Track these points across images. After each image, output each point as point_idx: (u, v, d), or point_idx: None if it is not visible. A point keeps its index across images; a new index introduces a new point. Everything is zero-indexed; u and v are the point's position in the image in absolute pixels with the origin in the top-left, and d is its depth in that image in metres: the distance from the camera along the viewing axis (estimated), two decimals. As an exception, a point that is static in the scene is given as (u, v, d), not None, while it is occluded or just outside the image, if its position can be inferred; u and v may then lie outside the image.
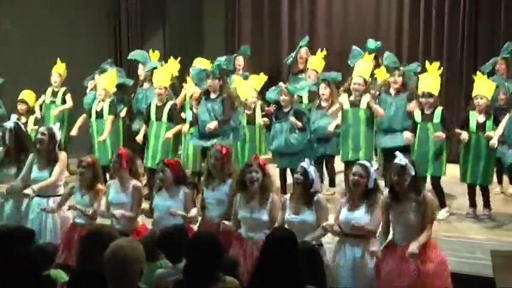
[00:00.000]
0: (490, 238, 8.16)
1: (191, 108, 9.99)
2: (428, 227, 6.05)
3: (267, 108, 10.14)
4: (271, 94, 9.68)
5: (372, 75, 10.19)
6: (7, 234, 5.31)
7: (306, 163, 6.39)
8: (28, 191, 7.43)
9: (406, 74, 9.75)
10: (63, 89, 11.21)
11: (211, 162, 7.06)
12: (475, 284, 6.88)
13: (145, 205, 7.42)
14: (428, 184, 8.85)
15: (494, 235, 8.29)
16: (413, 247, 5.86)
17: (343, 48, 12.63)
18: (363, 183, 6.18)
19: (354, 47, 10.99)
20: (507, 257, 6.61)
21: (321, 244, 6.30)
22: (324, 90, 9.80)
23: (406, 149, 8.53)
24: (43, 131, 7.74)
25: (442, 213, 8.73)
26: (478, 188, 8.93)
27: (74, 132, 10.57)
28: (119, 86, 10.65)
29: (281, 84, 11.61)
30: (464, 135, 8.67)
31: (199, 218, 7.18)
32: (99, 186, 7.26)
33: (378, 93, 9.73)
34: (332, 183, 9.93)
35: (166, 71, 10.07)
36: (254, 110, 10.24)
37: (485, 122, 8.68)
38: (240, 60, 12.06)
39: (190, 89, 10.48)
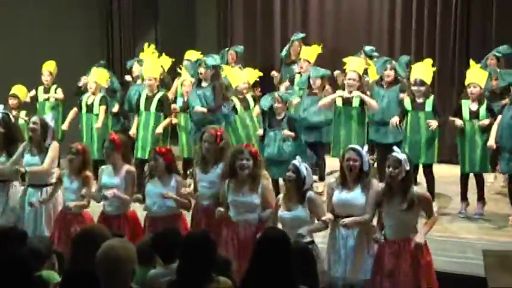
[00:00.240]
0: (481, 238, 8.20)
1: (182, 95, 10.08)
2: (431, 220, 6.22)
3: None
4: (265, 101, 9.70)
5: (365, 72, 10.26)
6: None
7: (297, 161, 6.41)
8: (21, 168, 7.54)
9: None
10: (55, 85, 11.22)
11: (205, 147, 7.10)
12: (467, 284, 6.91)
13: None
14: (420, 175, 8.89)
15: (485, 235, 8.32)
16: (420, 238, 6.04)
17: (336, 47, 12.72)
18: (358, 167, 6.29)
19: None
20: (499, 257, 6.64)
21: (312, 241, 6.31)
22: (315, 81, 9.91)
23: (398, 146, 8.54)
24: (35, 120, 7.79)
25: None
26: (471, 183, 8.95)
27: (64, 126, 10.58)
28: (110, 90, 10.71)
29: (273, 73, 11.66)
30: (459, 121, 8.73)
31: (193, 203, 7.21)
32: (88, 173, 7.30)
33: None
34: (322, 178, 9.90)
35: (156, 62, 10.11)
36: (246, 99, 10.27)
37: (478, 109, 8.71)
38: (233, 55, 12.14)
39: (183, 76, 10.57)
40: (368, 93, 9.56)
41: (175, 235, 5.35)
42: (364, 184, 6.30)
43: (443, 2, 12.08)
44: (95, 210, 7.50)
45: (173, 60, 11.29)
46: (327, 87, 10.03)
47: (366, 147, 6.54)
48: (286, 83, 11.41)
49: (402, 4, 12.60)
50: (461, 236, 8.29)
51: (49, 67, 11.26)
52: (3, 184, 7.88)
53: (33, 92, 11.18)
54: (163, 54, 11.29)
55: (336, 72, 10.89)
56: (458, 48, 11.95)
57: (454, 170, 9.32)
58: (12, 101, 10.50)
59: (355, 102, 9.33)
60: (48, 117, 7.92)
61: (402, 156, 6.13)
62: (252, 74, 10.87)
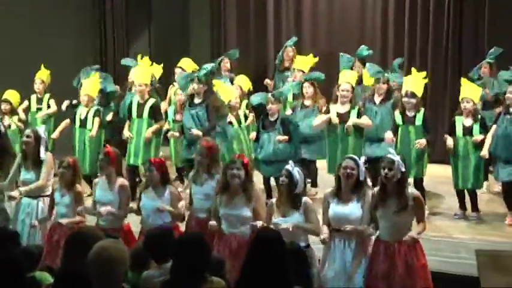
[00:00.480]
0: (474, 237, 8.22)
1: (175, 104, 10.08)
2: (422, 223, 6.20)
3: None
4: (256, 98, 9.69)
5: (360, 82, 10.29)
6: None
7: (290, 165, 6.39)
8: (14, 193, 7.51)
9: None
10: (48, 95, 11.06)
11: (197, 160, 7.15)
12: (460, 284, 6.92)
13: (132, 204, 7.39)
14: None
15: (478, 234, 8.34)
16: (413, 233, 6.05)
17: (329, 47, 12.75)
18: (355, 176, 6.25)
19: (342, 54, 10.96)
20: (491, 256, 6.64)
21: (308, 245, 6.30)
22: (307, 89, 9.85)
23: None
24: (28, 133, 7.79)
25: None
26: (466, 192, 8.96)
27: (54, 135, 10.50)
28: (105, 93, 10.64)
29: (267, 81, 11.66)
30: (449, 141, 8.73)
31: (187, 214, 7.21)
32: (79, 188, 7.29)
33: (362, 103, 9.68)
34: (314, 184, 9.90)
35: (146, 68, 10.07)
36: (238, 114, 10.25)
37: (472, 125, 8.71)
38: (227, 63, 12.09)
39: (176, 85, 10.55)
40: (360, 103, 9.54)
41: (168, 235, 5.35)
42: (360, 195, 6.25)
43: (436, 0, 12.09)
44: (89, 222, 7.37)
45: (165, 60, 11.26)
46: (321, 101, 9.84)
47: (363, 158, 6.47)
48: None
49: (395, 2, 12.60)
50: (454, 236, 8.30)
51: (42, 75, 11.08)
52: None
53: (25, 103, 11.00)
54: (157, 55, 11.24)
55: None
56: (451, 47, 11.95)
57: (447, 170, 9.31)
58: (4, 106, 10.43)
59: (351, 120, 9.23)
60: (41, 129, 7.89)
61: (396, 157, 6.11)
62: (246, 82, 10.88)
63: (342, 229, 6.15)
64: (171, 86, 11.18)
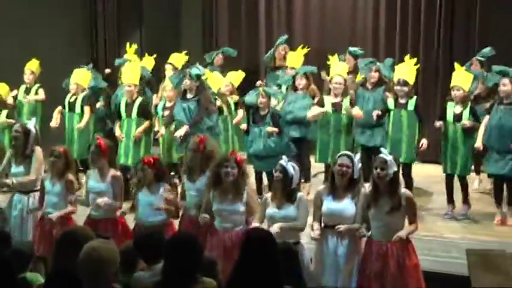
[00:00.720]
0: (465, 237, 8.23)
1: (164, 99, 10.10)
2: (414, 224, 6.18)
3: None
4: (250, 98, 9.70)
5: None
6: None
7: (284, 160, 6.40)
8: (8, 180, 7.55)
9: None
10: (37, 85, 11.14)
11: (189, 156, 7.12)
12: (451, 283, 6.91)
13: (124, 205, 7.36)
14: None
15: (469, 234, 8.36)
16: (402, 233, 6.02)
17: (321, 46, 12.73)
18: (350, 173, 6.25)
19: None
20: (482, 256, 6.65)
21: (298, 242, 6.31)
22: (300, 81, 9.86)
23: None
24: (17, 128, 7.80)
25: None
26: (456, 186, 8.98)
27: (53, 123, 10.44)
28: (96, 89, 10.65)
29: (259, 83, 11.68)
30: (438, 123, 8.80)
31: (181, 212, 7.20)
32: (70, 176, 7.28)
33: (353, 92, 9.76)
34: (307, 179, 9.86)
35: (135, 68, 10.07)
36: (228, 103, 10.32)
37: (461, 112, 8.73)
38: (219, 59, 12.22)
39: (166, 81, 10.58)
40: (352, 91, 9.61)
41: (158, 236, 5.34)
42: (354, 192, 6.27)
43: (428, -1, 12.15)
44: (81, 213, 7.43)
45: (155, 58, 11.26)
46: (312, 86, 10.03)
47: (358, 155, 6.47)
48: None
49: (386, 2, 12.63)
50: (445, 236, 8.31)
51: (31, 66, 11.16)
52: None
53: (15, 92, 11.10)
54: (147, 55, 11.25)
55: (323, 75, 10.88)
56: (442, 46, 11.98)
57: (438, 170, 9.34)
58: None
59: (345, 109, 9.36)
60: (31, 123, 7.88)
61: (389, 157, 6.11)
62: (237, 77, 10.88)
63: (335, 229, 6.17)
64: (162, 81, 11.16)
